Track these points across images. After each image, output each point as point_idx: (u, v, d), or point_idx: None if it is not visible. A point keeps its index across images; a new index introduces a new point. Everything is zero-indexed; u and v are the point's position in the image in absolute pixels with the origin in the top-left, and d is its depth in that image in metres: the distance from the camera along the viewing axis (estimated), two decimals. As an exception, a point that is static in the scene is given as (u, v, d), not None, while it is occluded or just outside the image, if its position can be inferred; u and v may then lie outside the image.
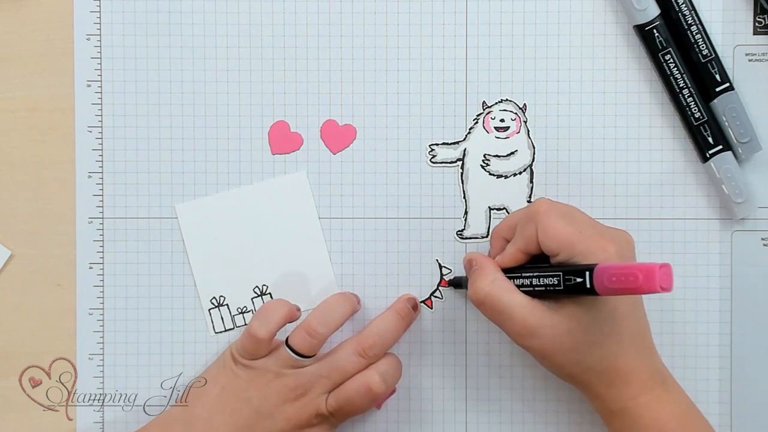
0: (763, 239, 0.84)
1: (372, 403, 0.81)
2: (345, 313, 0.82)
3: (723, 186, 0.83)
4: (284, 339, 0.81)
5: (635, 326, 0.76)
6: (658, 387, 0.76)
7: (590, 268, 0.72)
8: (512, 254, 0.78)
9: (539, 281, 0.75)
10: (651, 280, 0.68)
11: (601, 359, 0.75)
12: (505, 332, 0.76)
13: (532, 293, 0.76)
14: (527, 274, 0.76)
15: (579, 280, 0.72)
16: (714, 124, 0.83)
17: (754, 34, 0.84)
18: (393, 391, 0.84)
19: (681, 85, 0.82)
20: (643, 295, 0.76)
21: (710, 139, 0.83)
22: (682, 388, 0.78)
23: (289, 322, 0.81)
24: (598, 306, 0.74)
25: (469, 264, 0.79)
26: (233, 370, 0.81)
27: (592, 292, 0.71)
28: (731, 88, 0.83)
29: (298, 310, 0.82)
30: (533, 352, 0.76)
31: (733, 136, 0.83)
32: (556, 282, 0.74)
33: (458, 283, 0.85)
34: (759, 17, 0.84)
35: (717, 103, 0.83)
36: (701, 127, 0.83)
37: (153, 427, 0.81)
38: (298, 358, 0.80)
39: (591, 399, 0.78)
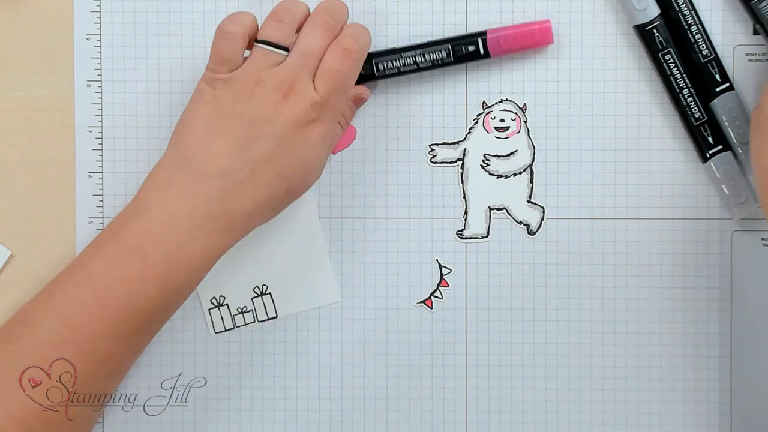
0: (763, 239, 0.84)
1: (355, 66, 0.79)
2: (305, 4, 0.80)
3: (723, 186, 0.83)
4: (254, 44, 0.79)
5: None
6: None
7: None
8: None
9: None
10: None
11: None
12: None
13: None
14: None
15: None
16: (714, 124, 0.83)
17: (754, 34, 0.84)
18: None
19: (681, 85, 0.83)
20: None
21: (710, 139, 0.83)
22: None
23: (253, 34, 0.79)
24: None
25: None
26: (212, 95, 0.78)
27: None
28: (731, 88, 0.83)
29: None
30: None
31: (732, 137, 0.83)
32: None
33: None
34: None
35: (717, 103, 0.83)
36: (701, 127, 0.83)
37: (150, 192, 0.77)
38: (275, 49, 0.78)
39: None
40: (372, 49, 0.82)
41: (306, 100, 0.77)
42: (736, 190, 0.83)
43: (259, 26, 0.79)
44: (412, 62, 0.83)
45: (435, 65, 0.83)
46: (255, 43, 0.79)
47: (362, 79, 0.82)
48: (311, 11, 0.80)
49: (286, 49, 0.78)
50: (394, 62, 0.83)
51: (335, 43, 0.79)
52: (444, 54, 0.83)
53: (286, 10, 0.79)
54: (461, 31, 0.84)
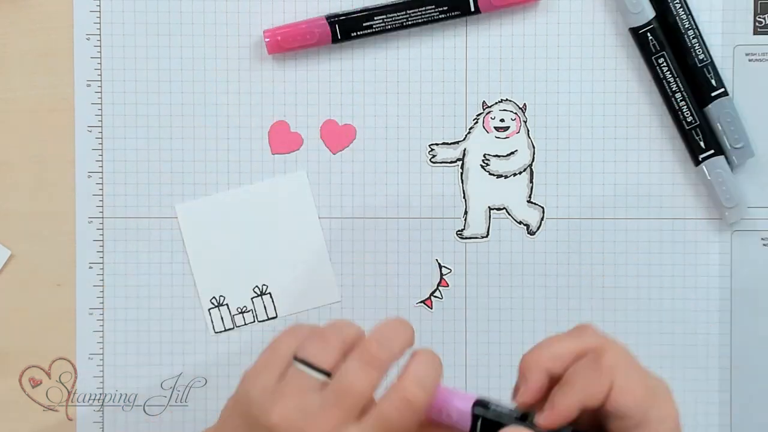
0: (763, 239, 0.84)
1: (416, 416, 0.62)
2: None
3: (714, 190, 0.83)
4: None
5: None
6: None
7: None
8: (566, 408, 0.62)
9: None
10: None
11: None
12: None
13: None
14: None
15: None
16: (707, 129, 0.83)
17: (754, 34, 0.84)
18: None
19: (674, 89, 0.83)
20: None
21: (702, 144, 0.83)
22: None
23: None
24: None
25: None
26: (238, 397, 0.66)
27: None
28: (726, 93, 0.83)
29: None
30: None
31: (726, 142, 0.83)
32: None
33: (496, 423, 0.64)
34: (759, 17, 0.84)
35: (712, 108, 0.83)
36: (693, 132, 0.83)
37: None
38: (312, 372, 0.64)
39: None
40: (357, 7, 0.82)
41: None
42: (727, 194, 0.83)
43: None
44: (402, 17, 0.83)
45: (424, 21, 0.83)
46: (293, 361, 0.64)
47: (350, 38, 0.82)
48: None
49: (328, 374, 0.63)
50: (382, 19, 0.83)
51: (397, 387, 0.62)
52: (432, 7, 0.83)
53: (335, 329, 0.65)
54: (461, 32, 0.84)
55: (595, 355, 0.63)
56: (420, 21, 0.83)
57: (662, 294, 0.85)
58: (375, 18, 0.83)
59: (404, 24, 0.83)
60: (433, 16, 0.83)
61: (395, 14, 0.83)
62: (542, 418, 0.62)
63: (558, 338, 0.65)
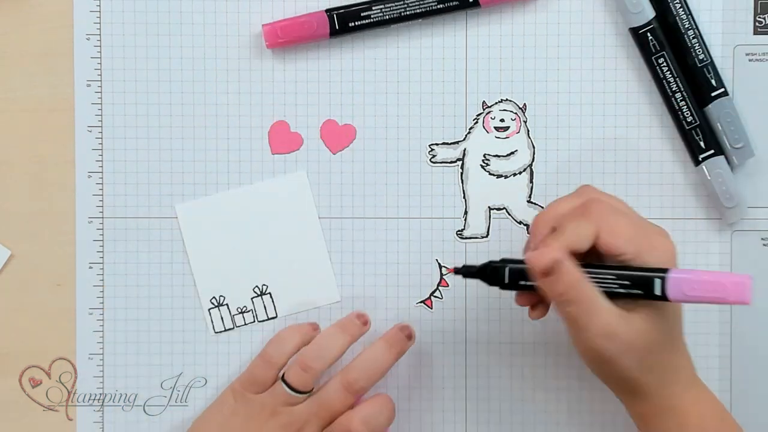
0: (763, 239, 0.84)
1: None
2: (342, 345, 0.81)
3: (714, 190, 0.83)
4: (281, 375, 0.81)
5: (682, 324, 0.75)
6: (698, 383, 0.76)
7: (661, 274, 0.71)
8: (557, 249, 0.72)
9: (600, 281, 0.72)
10: (741, 291, 0.69)
11: (664, 359, 0.73)
12: (580, 331, 0.72)
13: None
14: (602, 276, 0.72)
15: (645, 287, 0.71)
16: (707, 129, 0.83)
17: (754, 33, 0.84)
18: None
19: (674, 89, 0.83)
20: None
21: (702, 144, 0.83)
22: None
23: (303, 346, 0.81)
24: (666, 307, 0.73)
25: (538, 259, 0.72)
26: (232, 409, 0.81)
27: (662, 298, 0.71)
28: (726, 93, 0.83)
29: (316, 329, 0.81)
30: (603, 354, 0.72)
31: (726, 142, 0.83)
32: (618, 285, 0.72)
33: (470, 272, 0.76)
34: (759, 17, 0.84)
35: (712, 108, 0.83)
36: (693, 132, 0.83)
37: None
38: (293, 393, 0.79)
39: (637, 402, 0.75)
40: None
41: None
42: (726, 194, 0.83)
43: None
44: (400, 7, 0.83)
45: (424, 13, 0.83)
46: (280, 380, 0.80)
47: (350, 30, 0.83)
48: (366, 329, 0.83)
49: (308, 391, 0.80)
50: (380, 9, 0.83)
51: (346, 417, 0.79)
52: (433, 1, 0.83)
53: (319, 352, 0.80)
54: (461, 32, 0.84)
55: (585, 206, 0.73)
56: (418, 11, 0.83)
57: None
58: (373, 8, 0.83)
59: (402, 14, 0.83)
60: (432, 6, 0.83)
61: (393, 4, 0.83)
62: (533, 256, 0.72)
63: (561, 198, 0.76)
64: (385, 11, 0.83)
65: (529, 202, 0.85)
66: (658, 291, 0.71)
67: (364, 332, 0.82)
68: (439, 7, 0.83)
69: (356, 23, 0.83)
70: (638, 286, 0.71)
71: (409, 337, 0.82)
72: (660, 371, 0.74)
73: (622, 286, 0.72)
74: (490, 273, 0.75)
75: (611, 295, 0.72)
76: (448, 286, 0.85)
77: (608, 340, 0.71)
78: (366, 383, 0.80)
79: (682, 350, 0.75)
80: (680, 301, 0.71)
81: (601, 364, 0.73)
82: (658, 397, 0.74)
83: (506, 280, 0.75)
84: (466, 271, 0.77)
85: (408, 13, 0.83)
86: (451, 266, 0.85)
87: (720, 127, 0.83)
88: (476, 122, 0.85)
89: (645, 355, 0.72)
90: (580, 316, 0.71)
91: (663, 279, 0.71)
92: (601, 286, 0.72)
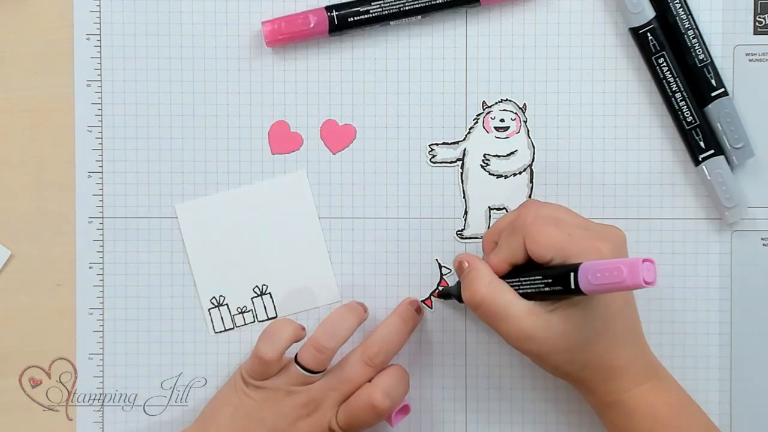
0: (763, 239, 0.84)
1: (378, 418, 0.80)
2: (352, 325, 0.81)
3: (714, 190, 0.83)
4: (293, 356, 0.80)
5: (627, 322, 0.76)
6: (652, 378, 0.77)
7: (574, 268, 0.72)
8: (496, 265, 0.77)
9: (529, 285, 0.75)
10: (635, 273, 0.68)
11: (596, 357, 0.75)
12: (501, 335, 0.76)
13: (526, 295, 0.75)
14: (515, 279, 0.76)
15: (564, 282, 0.72)
16: (707, 129, 0.83)
17: (754, 33, 0.84)
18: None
19: (674, 89, 0.83)
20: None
21: (702, 144, 0.83)
22: (675, 380, 0.79)
23: (295, 342, 0.80)
24: (591, 305, 0.74)
25: (460, 266, 0.79)
26: (244, 391, 0.81)
27: (579, 291, 0.71)
28: (726, 93, 0.83)
29: (303, 329, 0.81)
30: (530, 354, 0.76)
31: (726, 142, 0.83)
32: (544, 284, 0.74)
33: (447, 295, 0.84)
34: (759, 17, 0.84)
35: (712, 108, 0.83)
36: (693, 132, 0.83)
37: None
38: (308, 374, 0.80)
39: (585, 394, 0.78)
40: None
41: (325, 423, 0.80)
42: (726, 194, 0.83)
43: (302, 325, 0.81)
44: (399, 2, 0.82)
45: (422, 8, 0.83)
46: (293, 362, 0.80)
47: (349, 26, 0.83)
48: (366, 316, 0.83)
49: (322, 371, 0.81)
50: (379, 4, 0.83)
51: (368, 389, 0.80)
52: None
53: (332, 332, 0.80)
54: (461, 32, 0.84)
55: (515, 219, 0.77)
56: (417, 7, 0.83)
57: (662, 294, 0.84)
58: (372, 3, 0.83)
59: (401, 10, 0.83)
60: (431, 1, 0.83)
61: (392, 0, 0.83)
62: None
63: (504, 216, 0.81)
64: (384, 7, 0.83)
65: (529, 202, 0.85)
66: (573, 284, 0.71)
67: (365, 318, 0.83)
68: (438, 2, 0.83)
69: (355, 19, 0.83)
70: (558, 282, 0.73)
71: (418, 311, 0.84)
72: (596, 368, 0.76)
73: (546, 284, 0.73)
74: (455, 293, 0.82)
75: (540, 296, 0.74)
76: (448, 285, 0.85)
77: (525, 342, 0.75)
78: (386, 357, 0.81)
79: (624, 347, 0.76)
80: (592, 292, 0.71)
81: (533, 359, 0.77)
82: (602, 392, 0.77)
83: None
84: (443, 294, 0.85)
85: (407, 8, 0.83)
86: (438, 291, 0.85)
87: (720, 127, 0.83)
88: (476, 122, 0.85)
89: (571, 354, 0.75)
90: (492, 321, 0.76)
91: (576, 271, 0.71)
92: (531, 288, 0.75)
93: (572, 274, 0.71)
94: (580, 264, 0.71)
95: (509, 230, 0.77)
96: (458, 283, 0.81)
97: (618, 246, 0.75)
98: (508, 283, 0.76)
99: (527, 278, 0.75)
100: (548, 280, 0.73)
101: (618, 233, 0.76)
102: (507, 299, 0.75)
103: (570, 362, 0.76)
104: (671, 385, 0.78)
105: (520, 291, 0.75)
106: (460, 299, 0.80)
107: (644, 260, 0.68)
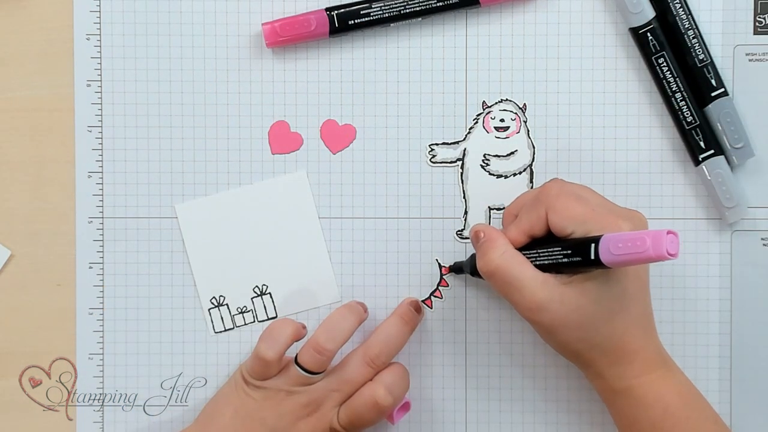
0: (763, 239, 0.84)
1: (381, 416, 0.81)
2: (352, 326, 0.81)
3: (714, 190, 0.83)
4: (293, 356, 0.81)
5: (642, 307, 0.76)
6: (661, 367, 0.76)
7: (595, 239, 0.71)
8: (515, 236, 0.77)
9: (547, 256, 0.74)
10: (659, 244, 0.67)
11: (608, 337, 0.75)
12: (514, 305, 0.76)
13: (543, 267, 0.75)
14: (533, 251, 0.75)
15: (583, 253, 0.72)
16: (707, 129, 0.83)
17: (754, 33, 0.84)
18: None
19: (674, 89, 0.83)
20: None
21: (702, 144, 0.83)
22: (682, 371, 0.78)
23: (296, 341, 0.80)
24: (608, 284, 0.74)
25: (476, 236, 0.78)
26: (245, 390, 0.81)
27: (598, 263, 0.71)
28: (726, 93, 0.83)
29: (304, 327, 0.81)
30: (540, 326, 0.75)
31: (726, 142, 0.83)
32: (562, 255, 0.73)
33: (459, 269, 0.84)
34: (759, 17, 0.84)
35: (712, 108, 0.83)
36: (693, 132, 0.83)
37: None
38: (308, 375, 0.80)
39: (593, 378, 0.78)
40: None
41: (327, 424, 0.81)
42: (726, 194, 0.83)
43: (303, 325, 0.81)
44: (400, 4, 0.83)
45: (424, 11, 0.83)
46: (293, 363, 0.80)
47: (349, 28, 0.83)
48: (366, 316, 0.83)
49: (322, 372, 0.81)
50: (379, 6, 0.83)
51: (370, 387, 0.81)
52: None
53: (332, 333, 0.80)
54: (461, 32, 0.84)
55: (539, 192, 0.77)
56: (418, 9, 0.83)
57: (662, 294, 0.85)
58: (373, 6, 0.83)
59: (402, 12, 0.83)
60: (431, 4, 0.83)
61: (393, 2, 0.83)
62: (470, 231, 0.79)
63: (525, 192, 0.82)
64: (385, 9, 0.83)
65: (529, 202, 0.85)
66: (592, 255, 0.71)
67: (365, 318, 0.83)
68: (438, 5, 0.83)
69: (356, 21, 0.83)
70: (577, 253, 0.72)
71: (418, 310, 0.84)
72: (606, 349, 0.75)
73: (565, 255, 0.73)
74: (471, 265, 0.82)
75: (557, 268, 0.74)
76: (448, 286, 0.85)
77: (538, 313, 0.74)
78: (387, 358, 0.81)
79: (637, 331, 0.76)
80: (612, 263, 0.70)
81: (543, 334, 0.76)
82: (611, 376, 0.76)
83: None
84: (455, 268, 0.84)
85: (408, 11, 0.83)
86: (449, 266, 0.85)
87: (720, 127, 0.83)
88: (476, 122, 0.85)
89: (583, 331, 0.74)
90: (505, 290, 0.75)
91: (597, 242, 0.71)
92: (548, 260, 0.74)
93: (593, 245, 0.71)
94: (601, 236, 0.71)
95: (532, 202, 0.77)
96: (471, 257, 0.81)
97: (639, 227, 0.75)
98: (525, 255, 0.76)
99: (545, 249, 0.75)
100: (567, 251, 0.73)
101: (640, 216, 0.76)
102: (521, 269, 0.75)
103: (580, 340, 0.75)
104: (680, 376, 0.77)
105: (537, 263, 0.75)
106: (472, 273, 0.81)
107: (668, 232, 0.68)
